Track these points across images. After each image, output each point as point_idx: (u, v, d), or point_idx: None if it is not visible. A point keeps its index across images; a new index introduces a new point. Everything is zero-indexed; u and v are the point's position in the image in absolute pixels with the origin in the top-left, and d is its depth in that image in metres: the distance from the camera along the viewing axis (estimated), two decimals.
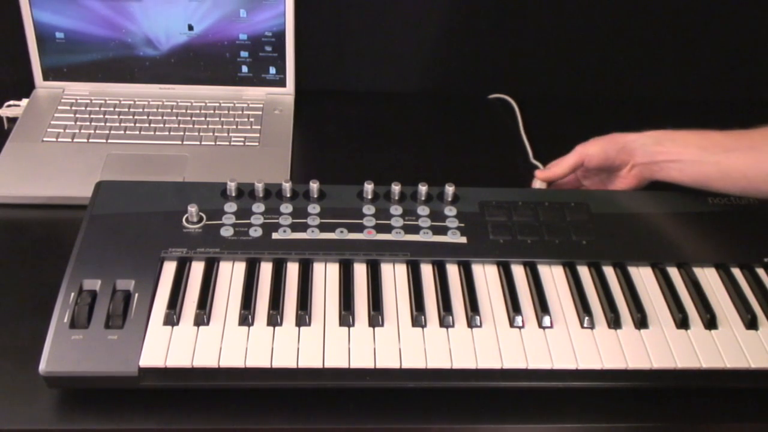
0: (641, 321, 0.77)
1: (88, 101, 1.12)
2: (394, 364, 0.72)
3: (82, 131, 1.06)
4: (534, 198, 0.89)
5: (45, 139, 1.05)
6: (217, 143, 1.07)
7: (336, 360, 0.72)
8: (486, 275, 0.81)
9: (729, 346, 0.76)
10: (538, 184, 0.96)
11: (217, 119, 1.11)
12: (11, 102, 1.12)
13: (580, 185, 0.99)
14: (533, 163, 1.09)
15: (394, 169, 1.04)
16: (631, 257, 0.84)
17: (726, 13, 1.22)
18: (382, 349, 0.73)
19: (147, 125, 1.08)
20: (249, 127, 1.10)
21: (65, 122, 1.08)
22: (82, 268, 0.77)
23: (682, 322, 0.78)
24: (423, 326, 0.75)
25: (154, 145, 1.06)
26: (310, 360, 0.71)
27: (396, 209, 0.86)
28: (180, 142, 1.06)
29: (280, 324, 0.74)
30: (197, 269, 0.79)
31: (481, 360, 0.73)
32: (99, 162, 1.01)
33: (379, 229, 0.84)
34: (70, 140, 1.05)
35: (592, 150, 0.92)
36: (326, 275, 0.80)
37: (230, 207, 0.85)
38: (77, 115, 1.09)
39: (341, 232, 0.83)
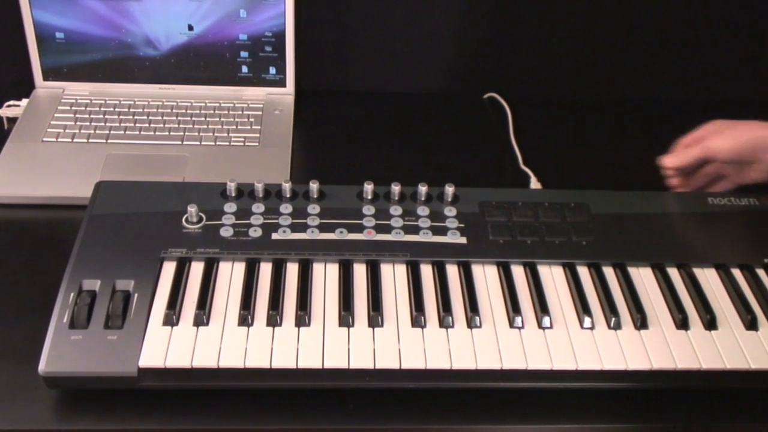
0: (641, 322, 0.77)
1: (88, 101, 1.12)
2: (393, 365, 0.72)
3: (82, 131, 1.06)
4: (534, 198, 0.89)
5: (45, 139, 1.05)
6: (217, 143, 1.07)
7: (335, 360, 0.71)
8: (486, 276, 0.81)
9: (729, 347, 0.76)
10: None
11: (217, 119, 1.11)
12: (11, 102, 1.12)
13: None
14: (522, 169, 1.07)
15: (394, 169, 1.04)
16: (631, 258, 0.84)
17: (723, 13, 1.22)
18: (381, 349, 0.73)
19: (147, 125, 1.08)
20: (249, 127, 1.10)
21: (65, 122, 1.08)
22: (81, 268, 0.77)
23: (682, 323, 0.78)
24: (423, 327, 0.75)
25: (154, 145, 1.05)
26: (310, 360, 0.71)
27: (396, 209, 0.86)
28: (180, 142, 1.06)
29: (280, 324, 0.74)
30: (197, 269, 0.79)
31: (480, 360, 0.73)
32: (99, 162, 1.01)
33: (379, 229, 0.84)
34: (70, 140, 1.05)
35: (721, 148, 0.86)
36: (326, 276, 0.80)
37: (230, 207, 0.85)
38: (77, 115, 1.09)
39: (341, 232, 0.83)
